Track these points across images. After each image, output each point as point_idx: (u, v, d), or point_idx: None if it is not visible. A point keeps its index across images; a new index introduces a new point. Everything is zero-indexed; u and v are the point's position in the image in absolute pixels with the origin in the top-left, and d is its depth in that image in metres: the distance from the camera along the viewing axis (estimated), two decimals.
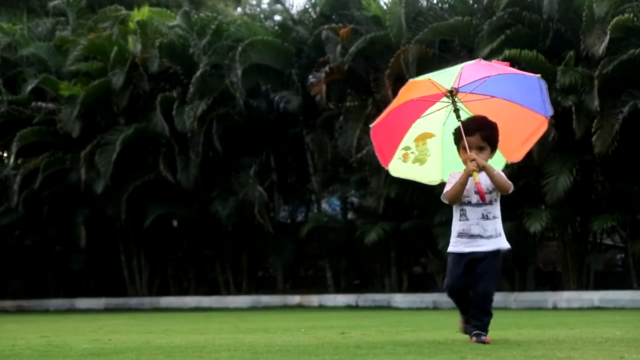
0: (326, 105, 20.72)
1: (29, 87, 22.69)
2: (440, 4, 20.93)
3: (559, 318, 12.06)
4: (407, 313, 16.55)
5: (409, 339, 7.21)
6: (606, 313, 14.43)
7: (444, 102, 6.74)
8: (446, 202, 6.48)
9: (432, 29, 19.28)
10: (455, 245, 6.46)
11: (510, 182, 6.40)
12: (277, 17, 23.97)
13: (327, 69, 20.25)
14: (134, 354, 6.32)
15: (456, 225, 6.48)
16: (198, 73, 21.21)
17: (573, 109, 17.47)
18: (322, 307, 20.33)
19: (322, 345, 6.68)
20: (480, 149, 6.36)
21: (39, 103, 22.98)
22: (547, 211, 17.99)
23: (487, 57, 18.33)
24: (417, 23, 19.83)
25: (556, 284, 19.33)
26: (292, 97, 21.26)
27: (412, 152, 6.93)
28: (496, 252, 6.36)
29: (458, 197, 6.41)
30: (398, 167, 6.95)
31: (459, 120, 6.47)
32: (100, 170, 21.50)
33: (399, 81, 19.48)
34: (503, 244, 6.41)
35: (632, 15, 17.28)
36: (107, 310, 21.85)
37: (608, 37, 17.20)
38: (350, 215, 22.73)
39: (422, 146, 6.92)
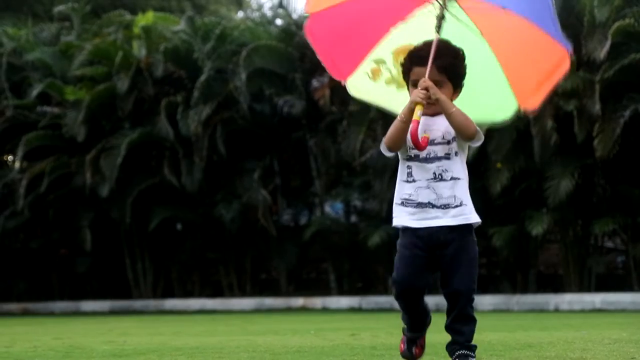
0: (329, 110, 20.87)
1: (35, 92, 22.78)
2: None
3: (563, 320, 12.20)
4: None
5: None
6: (608, 315, 14.57)
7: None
8: (386, 152, 4.92)
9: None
10: (400, 216, 4.82)
11: (475, 125, 4.75)
12: (280, 22, 24.10)
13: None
14: (155, 355, 6.47)
15: (399, 189, 4.85)
16: (202, 78, 21.36)
17: (574, 113, 17.62)
18: (325, 310, 20.45)
19: (337, 346, 6.82)
20: (435, 83, 4.72)
21: (45, 107, 23.13)
22: (549, 214, 18.11)
23: None
24: None
25: (557, 287, 19.46)
26: (295, 101, 21.40)
27: (387, 69, 5.13)
28: (466, 230, 4.77)
29: (397, 140, 4.79)
30: (362, 86, 5.13)
31: (437, 33, 4.82)
32: (105, 174, 21.63)
33: None
34: (469, 216, 4.76)
35: (633, 20, 17.45)
36: (112, 312, 21.98)
37: (609, 42, 17.36)
38: (353, 219, 22.85)
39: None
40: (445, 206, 4.72)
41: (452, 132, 4.74)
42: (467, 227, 4.77)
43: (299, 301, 21.32)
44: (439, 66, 4.75)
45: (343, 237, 21.75)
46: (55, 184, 22.51)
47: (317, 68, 21.13)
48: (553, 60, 4.99)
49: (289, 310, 20.65)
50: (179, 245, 23.17)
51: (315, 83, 20.58)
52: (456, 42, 4.88)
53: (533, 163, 18.25)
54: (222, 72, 21.92)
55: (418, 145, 4.67)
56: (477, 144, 4.81)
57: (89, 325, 14.05)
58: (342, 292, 21.74)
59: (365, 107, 20.45)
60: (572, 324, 10.45)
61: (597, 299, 17.53)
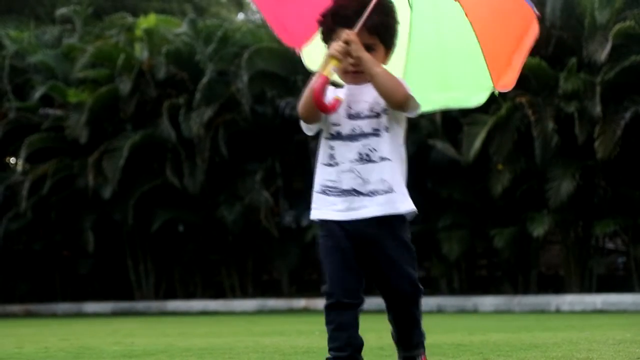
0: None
1: (37, 94, 22.85)
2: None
3: (565, 321, 12.26)
4: None
5: (426, 341, 7.39)
6: (610, 316, 14.64)
7: None
8: (305, 129, 4.18)
9: None
10: (320, 208, 4.11)
11: (406, 89, 3.99)
12: None
13: None
14: (165, 356, 6.54)
15: (319, 174, 4.12)
16: (204, 80, 21.43)
17: (575, 114, 17.70)
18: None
19: None
20: (367, 48, 4.01)
21: (47, 109, 23.20)
22: (550, 215, 18.18)
23: None
24: None
25: (558, 288, 19.54)
26: (297, 103, 21.42)
27: None
28: (398, 222, 4.04)
29: (309, 108, 4.03)
30: (320, 57, 4.16)
31: None
32: (108, 176, 21.70)
33: None
34: (402, 203, 4.03)
35: (633, 22, 17.54)
36: (115, 314, 22.04)
37: (610, 44, 17.45)
38: None
39: None
40: (373, 193, 3.98)
41: (383, 103, 4.01)
42: (399, 218, 4.04)
43: (301, 302, 21.37)
44: (370, 27, 4.02)
45: None
46: (57, 186, 22.57)
47: None
48: (523, 24, 4.33)
49: (291, 311, 20.70)
50: (181, 246, 23.23)
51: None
52: (427, 8, 4.32)
53: (534, 164, 18.33)
54: (224, 74, 21.99)
55: (321, 106, 3.92)
56: (413, 114, 4.07)
57: (94, 327, 14.12)
58: None
59: None
60: (574, 325, 10.52)
61: (598, 299, 17.59)
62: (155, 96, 22.50)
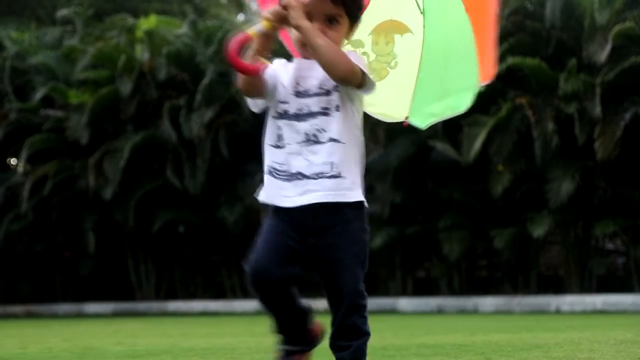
0: None
1: (38, 95, 22.91)
2: None
3: (565, 321, 12.29)
4: (414, 317, 16.78)
5: (428, 341, 7.40)
6: (610, 316, 14.67)
7: None
8: (250, 104, 3.80)
9: None
10: (268, 190, 3.73)
11: (352, 63, 3.58)
12: None
13: None
14: (169, 356, 6.56)
15: (268, 155, 3.73)
16: (205, 81, 21.46)
17: (575, 115, 17.74)
18: (328, 312, 20.48)
19: None
20: (330, 20, 3.64)
21: (48, 110, 23.23)
22: (550, 216, 18.21)
23: None
24: None
25: (558, 288, 19.57)
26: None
27: (364, 54, 4.12)
28: (351, 211, 3.68)
29: (252, 81, 3.66)
30: None
31: None
32: (109, 177, 21.74)
33: None
34: (348, 192, 3.65)
35: (633, 23, 17.58)
36: (115, 314, 22.06)
37: (610, 45, 17.50)
38: None
39: (384, 45, 4.09)
40: (318, 175, 3.61)
41: (328, 79, 3.61)
42: (352, 206, 3.67)
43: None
44: None
45: None
46: (58, 187, 22.60)
47: None
48: (493, 6, 4.04)
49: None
50: (181, 247, 23.26)
51: None
52: (437, 10, 3.94)
53: (534, 165, 18.36)
54: (224, 75, 21.98)
55: (236, 65, 3.53)
56: (368, 92, 3.68)
57: (95, 327, 14.14)
58: None
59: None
60: (575, 325, 10.54)
61: (598, 300, 17.62)
62: (156, 97, 22.53)
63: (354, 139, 3.67)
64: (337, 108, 3.62)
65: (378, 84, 3.86)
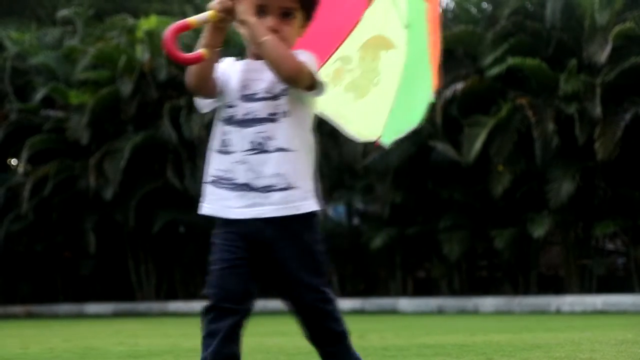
0: None
1: (39, 96, 22.92)
2: (444, 13, 21.20)
3: (565, 322, 12.32)
4: (414, 317, 16.81)
5: (429, 341, 7.43)
6: (610, 317, 14.69)
7: None
8: (199, 104, 3.58)
9: None
10: (210, 202, 3.52)
11: (300, 62, 3.35)
12: None
13: None
14: (170, 357, 6.59)
15: (213, 162, 3.53)
16: None
17: (576, 116, 17.75)
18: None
19: None
20: (285, 14, 3.44)
21: (48, 111, 23.24)
22: (550, 216, 18.22)
23: (491, 66, 18.74)
24: None
25: (559, 288, 19.58)
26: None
27: (351, 71, 3.88)
28: (301, 223, 3.43)
29: (198, 72, 3.41)
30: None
31: None
32: (109, 177, 21.74)
33: None
34: (300, 203, 3.41)
35: (633, 24, 17.59)
36: (116, 315, 22.07)
37: (610, 45, 17.51)
38: (355, 221, 22.97)
39: (370, 62, 3.86)
40: (267, 189, 3.38)
41: (276, 80, 3.38)
42: (302, 218, 3.42)
43: None
44: None
45: (345, 240, 21.88)
46: (59, 187, 22.60)
47: None
48: (437, 12, 3.80)
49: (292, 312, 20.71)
50: (182, 247, 23.27)
51: None
52: (418, 20, 3.72)
53: (534, 165, 18.38)
54: None
55: (171, 53, 3.31)
56: (320, 94, 3.45)
57: (96, 328, 14.16)
58: (344, 294, 21.83)
59: None
60: (575, 326, 10.57)
61: (598, 300, 17.63)
62: (157, 97, 22.54)
63: (305, 144, 3.45)
64: (285, 114, 3.40)
65: (356, 102, 3.78)
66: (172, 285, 23.54)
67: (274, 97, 3.39)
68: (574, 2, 18.63)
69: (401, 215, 20.50)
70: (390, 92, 3.82)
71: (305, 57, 3.40)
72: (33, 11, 29.05)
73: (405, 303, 20.04)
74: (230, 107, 3.45)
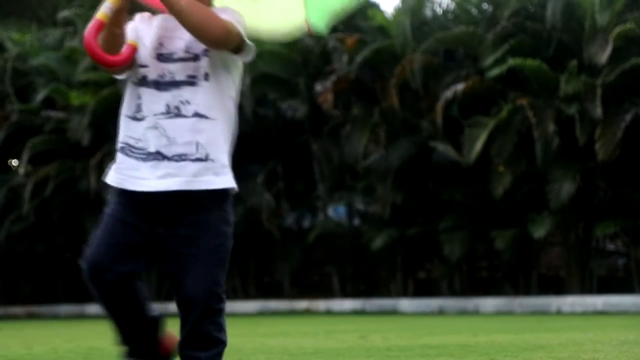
0: (333, 114, 21.01)
1: (40, 97, 22.92)
2: (444, 14, 21.23)
3: (566, 322, 12.33)
4: (415, 318, 16.82)
5: (431, 342, 7.45)
6: (611, 317, 14.71)
7: None
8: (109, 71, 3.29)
9: (437, 39, 19.58)
10: (119, 171, 3.25)
11: (227, 25, 3.07)
12: None
13: (333, 78, 20.54)
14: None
15: (123, 128, 3.30)
16: None
17: (576, 116, 17.77)
18: (329, 312, 20.56)
19: (352, 348, 6.94)
20: None
21: (49, 112, 23.24)
22: (551, 217, 18.24)
23: (492, 67, 18.76)
24: (422, 33, 20.13)
25: (559, 289, 19.60)
26: (299, 105, 21.54)
27: None
28: (213, 199, 3.14)
29: (109, 39, 3.15)
30: None
31: None
32: None
33: (405, 90, 19.85)
34: (215, 178, 3.14)
35: (634, 24, 17.61)
36: None
37: (610, 46, 17.54)
38: (356, 222, 22.98)
39: None
40: (180, 157, 3.09)
41: (196, 42, 3.09)
42: (215, 195, 3.11)
43: (302, 304, 21.43)
44: None
45: (346, 240, 21.89)
46: (60, 188, 22.62)
47: (320, 73, 21.30)
48: None
49: (292, 313, 20.76)
50: None
51: (318, 87, 20.70)
52: None
53: (535, 166, 18.40)
54: None
55: (98, 58, 3.12)
56: (248, 58, 3.19)
57: (98, 328, 14.13)
58: (345, 294, 21.86)
59: (368, 111, 20.61)
60: (576, 326, 10.58)
61: (599, 301, 17.65)
62: None
63: (225, 113, 3.18)
64: (206, 77, 3.11)
65: (255, 2, 3.43)
66: None
67: (194, 58, 3.11)
68: (574, 3, 18.66)
69: (402, 216, 20.51)
70: None
71: (229, 15, 3.11)
72: (34, 12, 29.05)
73: (406, 304, 20.05)
74: (143, 67, 3.18)
